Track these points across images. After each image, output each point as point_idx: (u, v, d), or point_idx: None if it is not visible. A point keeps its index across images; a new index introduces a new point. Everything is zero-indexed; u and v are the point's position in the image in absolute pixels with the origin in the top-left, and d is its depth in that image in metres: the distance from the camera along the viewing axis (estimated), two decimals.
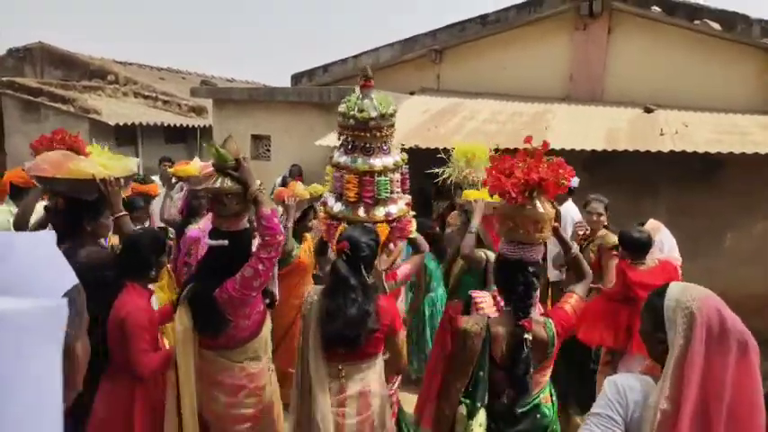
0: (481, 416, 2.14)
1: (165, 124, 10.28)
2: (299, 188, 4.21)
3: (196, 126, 10.99)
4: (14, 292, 0.65)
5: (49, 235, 0.78)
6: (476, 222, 3.48)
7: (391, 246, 2.97)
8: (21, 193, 4.16)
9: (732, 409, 1.40)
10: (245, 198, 2.43)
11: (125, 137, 9.73)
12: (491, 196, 2.78)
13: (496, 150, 3.49)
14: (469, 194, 3.85)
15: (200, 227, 3.72)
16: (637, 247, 3.56)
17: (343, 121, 2.80)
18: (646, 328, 1.62)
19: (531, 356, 2.15)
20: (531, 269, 2.22)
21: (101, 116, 9.26)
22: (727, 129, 5.92)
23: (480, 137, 6.16)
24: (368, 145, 2.77)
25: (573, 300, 2.35)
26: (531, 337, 2.15)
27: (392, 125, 2.83)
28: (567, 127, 6.21)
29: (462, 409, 2.16)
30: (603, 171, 5.45)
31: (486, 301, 2.57)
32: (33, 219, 3.19)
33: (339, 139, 2.89)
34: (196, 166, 3.98)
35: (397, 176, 2.88)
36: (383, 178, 2.79)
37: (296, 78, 9.05)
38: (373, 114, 2.72)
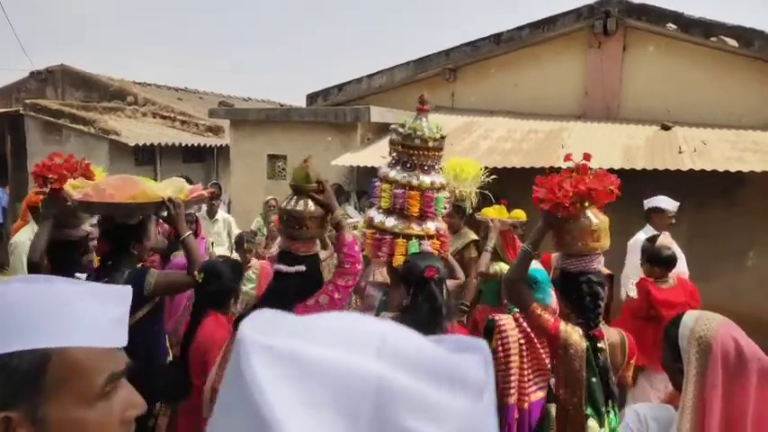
0: (611, 421, 2.22)
1: (183, 144, 10.42)
2: None
3: (213, 146, 11.12)
4: None
5: (121, 291, 0.77)
6: (492, 242, 3.52)
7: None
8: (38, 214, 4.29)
9: None
10: (324, 222, 2.35)
11: (144, 157, 9.88)
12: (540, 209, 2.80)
13: (487, 168, 3.58)
14: (488, 212, 3.90)
15: None
16: (667, 264, 3.67)
17: (403, 141, 2.91)
18: (666, 358, 1.61)
19: (609, 366, 2.25)
20: (595, 279, 2.29)
21: (120, 137, 9.42)
22: (747, 146, 5.85)
23: (496, 156, 6.16)
24: (426, 164, 2.89)
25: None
26: (605, 346, 2.25)
27: (443, 147, 2.97)
28: (583, 145, 6.17)
29: (592, 422, 2.19)
30: (621, 189, 5.38)
31: (507, 323, 2.58)
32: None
33: (392, 156, 2.99)
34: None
35: (448, 194, 3.02)
36: (441, 195, 2.89)
37: (311, 98, 9.14)
38: (435, 135, 2.85)
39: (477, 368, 0.48)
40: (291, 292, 2.27)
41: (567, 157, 2.43)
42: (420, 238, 2.89)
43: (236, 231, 6.00)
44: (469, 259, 4.08)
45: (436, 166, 2.95)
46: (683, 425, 1.43)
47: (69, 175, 2.83)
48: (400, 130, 2.93)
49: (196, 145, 10.77)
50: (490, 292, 3.86)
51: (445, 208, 3.01)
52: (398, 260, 2.72)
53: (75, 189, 2.58)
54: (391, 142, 2.99)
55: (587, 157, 2.42)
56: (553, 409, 2.35)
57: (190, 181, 6.28)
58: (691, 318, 1.55)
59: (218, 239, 6.16)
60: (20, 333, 0.66)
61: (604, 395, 2.27)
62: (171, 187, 2.71)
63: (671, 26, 6.97)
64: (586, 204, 2.28)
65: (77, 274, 2.92)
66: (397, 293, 2.41)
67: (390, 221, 2.94)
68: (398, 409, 0.43)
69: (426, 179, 2.88)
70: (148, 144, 9.67)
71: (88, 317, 0.71)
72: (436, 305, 2.22)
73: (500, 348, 2.75)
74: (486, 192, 3.92)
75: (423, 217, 2.90)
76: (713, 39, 6.79)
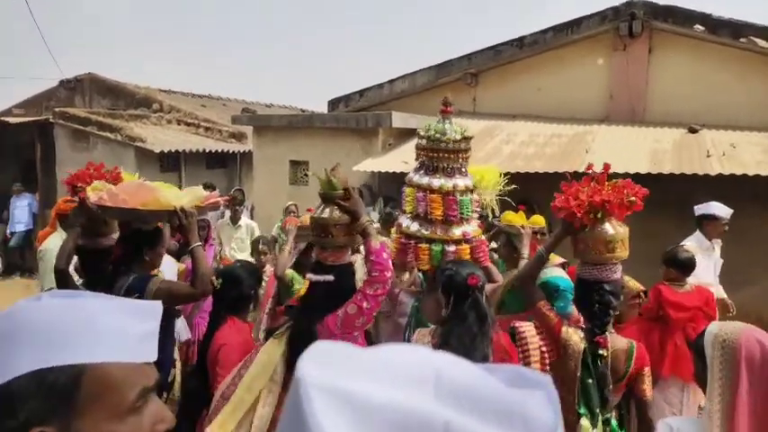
0: (600, 424, 2.25)
1: (207, 150, 10.56)
2: (307, 217, 4.10)
3: (236, 152, 11.25)
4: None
5: (101, 305, 0.74)
6: (527, 249, 3.48)
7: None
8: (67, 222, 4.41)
9: None
10: (351, 230, 2.32)
11: (169, 163, 10.03)
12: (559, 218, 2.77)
13: (506, 175, 3.55)
14: (509, 217, 3.84)
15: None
16: (684, 268, 3.63)
17: (426, 144, 2.90)
18: (697, 370, 1.63)
19: (607, 372, 2.29)
20: (607, 288, 2.32)
21: (146, 144, 9.59)
22: None
23: (518, 161, 6.10)
24: (449, 166, 2.86)
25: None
26: (606, 354, 2.29)
27: (469, 149, 2.94)
28: (609, 149, 6.08)
29: (584, 422, 2.24)
30: (648, 194, 5.29)
31: (528, 330, 2.55)
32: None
33: (417, 160, 2.98)
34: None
35: (475, 197, 2.97)
36: (467, 198, 2.85)
37: (333, 104, 9.19)
38: (457, 137, 2.83)
39: (543, 408, 0.44)
40: (321, 301, 2.25)
41: (590, 167, 2.46)
42: (444, 242, 2.86)
43: (266, 238, 6.05)
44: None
45: (462, 169, 2.91)
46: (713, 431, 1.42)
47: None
48: (422, 133, 2.93)
49: (219, 151, 10.90)
50: (514, 300, 3.79)
51: (474, 211, 2.96)
52: (423, 265, 2.69)
53: (93, 191, 2.60)
54: (417, 147, 2.99)
55: (607, 167, 2.44)
56: None
57: (213, 187, 6.36)
58: (715, 325, 1.59)
59: (240, 245, 6.20)
60: (56, 349, 0.67)
61: (600, 400, 2.32)
62: (189, 196, 2.70)
63: (698, 27, 6.84)
64: (599, 216, 2.30)
65: None
66: (430, 301, 2.39)
67: (414, 226, 2.93)
68: None
69: (448, 182, 2.85)
70: (173, 151, 9.82)
71: (119, 332, 0.71)
72: (482, 314, 2.18)
73: (521, 357, 2.72)
74: (507, 198, 3.86)
75: (448, 221, 2.88)
76: (742, 40, 6.64)
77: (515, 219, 3.92)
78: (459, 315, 2.23)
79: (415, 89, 8.53)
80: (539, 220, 4.17)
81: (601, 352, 2.29)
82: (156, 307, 0.77)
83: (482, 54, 8.20)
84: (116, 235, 2.95)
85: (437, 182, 2.84)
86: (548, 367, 2.78)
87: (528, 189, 5.51)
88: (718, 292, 4.31)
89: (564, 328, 2.31)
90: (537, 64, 7.90)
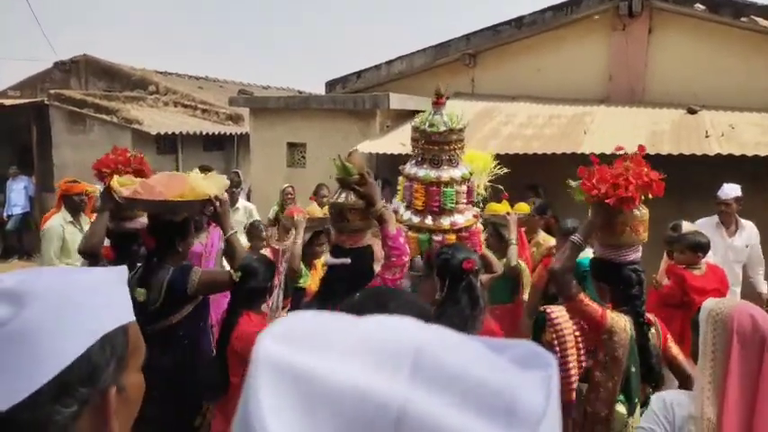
0: (638, 412, 2.23)
1: (204, 133, 10.50)
2: (312, 208, 4.08)
3: (233, 134, 11.18)
4: (29, 341, 0.65)
5: (110, 273, 0.78)
6: (514, 235, 3.51)
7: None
8: (70, 203, 4.47)
9: None
10: (367, 214, 2.34)
11: (166, 146, 9.97)
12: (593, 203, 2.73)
13: (504, 156, 3.55)
14: (493, 207, 3.89)
15: (202, 242, 3.63)
16: (703, 250, 3.67)
17: (414, 135, 2.95)
18: (693, 345, 1.66)
19: (658, 350, 2.34)
20: (640, 268, 2.39)
21: (142, 126, 9.52)
22: None
23: (517, 142, 6.07)
24: (436, 157, 2.88)
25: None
26: (654, 331, 2.34)
27: (461, 140, 2.93)
28: (608, 130, 6.06)
29: (621, 408, 2.24)
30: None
31: (560, 314, 2.58)
32: None
33: (413, 152, 3.02)
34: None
35: (464, 188, 2.96)
36: (449, 189, 2.87)
37: (330, 85, 9.11)
38: (441, 129, 2.84)
39: (533, 394, 0.39)
40: (340, 284, 2.26)
41: (619, 148, 2.51)
42: (431, 232, 2.87)
43: (261, 221, 6.03)
44: None
45: (452, 160, 2.92)
46: (703, 404, 1.45)
47: (123, 169, 2.90)
48: (414, 124, 2.96)
49: (217, 133, 10.84)
50: (500, 289, 3.79)
51: (467, 202, 2.98)
52: (411, 253, 2.71)
53: (123, 186, 2.62)
54: (411, 138, 3.02)
55: (642, 149, 2.48)
56: (584, 388, 2.36)
57: (210, 170, 6.34)
58: (710, 302, 1.62)
59: (239, 228, 6.20)
60: (110, 311, 0.75)
61: (649, 380, 2.35)
62: (218, 184, 2.71)
63: (699, 7, 6.76)
64: (646, 196, 2.36)
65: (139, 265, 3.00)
66: (426, 284, 2.40)
67: (407, 215, 2.97)
68: None
69: (433, 173, 2.86)
70: (170, 133, 9.76)
71: (126, 296, 0.81)
72: (475, 297, 2.22)
73: (555, 342, 2.71)
74: (498, 186, 3.85)
75: (436, 211, 2.88)
76: (744, 19, 6.57)
77: (499, 208, 3.97)
78: (452, 298, 2.25)
79: (413, 70, 8.45)
80: (524, 208, 4.23)
81: (652, 330, 2.36)
82: (123, 271, 0.82)
83: (481, 34, 8.11)
84: (143, 219, 2.97)
85: (422, 172, 2.87)
86: (583, 354, 2.77)
87: (527, 170, 5.50)
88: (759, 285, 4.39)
89: (609, 315, 2.28)
90: (536, 44, 7.83)
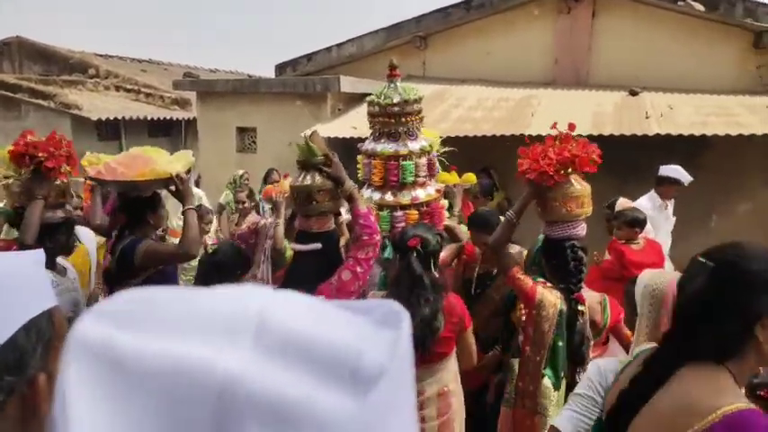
0: (563, 386, 2.27)
1: (149, 118, 10.15)
2: (287, 185, 4.05)
3: (180, 119, 10.86)
4: None
5: (27, 257, 0.75)
6: (458, 207, 3.56)
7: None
8: None
9: None
10: (335, 195, 2.31)
11: (108, 132, 9.59)
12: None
13: (448, 139, 3.58)
14: (443, 177, 3.92)
15: None
16: (640, 226, 3.79)
17: (371, 110, 2.90)
18: (627, 314, 1.72)
19: (586, 329, 2.31)
20: (578, 245, 2.38)
21: (82, 111, 9.12)
22: (712, 110, 5.95)
23: (467, 124, 6.15)
24: (393, 131, 2.85)
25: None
26: (585, 310, 2.32)
27: (418, 111, 2.91)
28: (553, 112, 6.21)
29: (547, 382, 2.27)
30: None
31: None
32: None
33: (370, 128, 2.98)
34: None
35: (424, 161, 2.93)
36: (408, 162, 2.84)
37: (280, 68, 8.94)
38: (396, 100, 2.81)
39: (378, 353, 0.37)
40: (311, 271, 2.22)
41: (554, 126, 2.51)
42: (392, 208, 2.87)
43: (206, 206, 5.90)
44: None
45: (411, 133, 2.89)
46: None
47: (57, 152, 2.75)
48: (368, 98, 2.93)
49: (162, 118, 10.50)
50: None
51: (421, 176, 2.95)
52: None
53: (89, 165, 2.71)
54: (368, 113, 2.99)
55: (572, 126, 2.49)
56: (516, 363, 2.42)
57: None
58: (646, 275, 1.67)
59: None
60: (31, 296, 0.72)
61: (574, 360, 2.35)
62: (182, 161, 2.75)
63: None
64: (569, 171, 2.35)
65: (59, 258, 2.86)
66: (393, 267, 2.40)
67: (367, 192, 2.95)
68: (243, 420, 0.33)
69: (390, 147, 2.84)
70: (112, 118, 9.39)
71: (46, 280, 0.78)
72: (414, 276, 2.18)
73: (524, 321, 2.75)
74: (443, 159, 3.91)
75: (396, 186, 2.87)
76: (680, 3, 6.83)
77: (448, 178, 4.01)
78: (397, 277, 2.27)
79: (364, 53, 8.40)
80: (470, 178, 4.31)
81: (581, 308, 2.34)
82: (40, 254, 0.80)
83: (431, 16, 8.12)
84: (69, 207, 2.95)
85: (379, 147, 2.85)
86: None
87: (478, 153, 5.59)
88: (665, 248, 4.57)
89: (539, 290, 2.33)
90: (485, 27, 7.90)
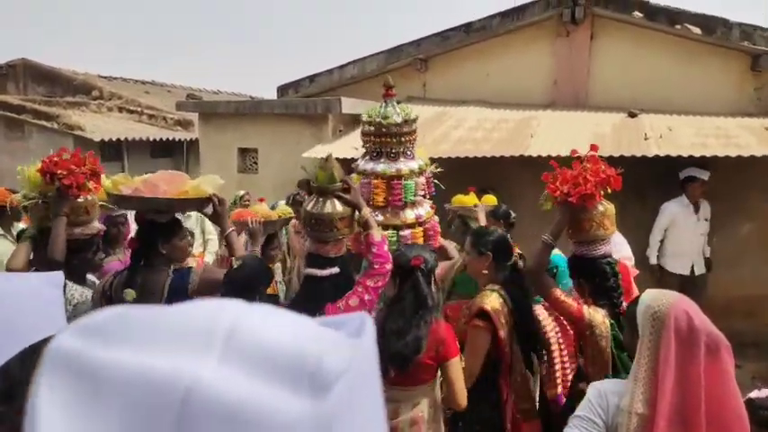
0: None
1: (151, 139, 10.22)
2: (262, 208, 3.86)
3: (182, 140, 10.93)
4: None
5: (45, 279, 0.75)
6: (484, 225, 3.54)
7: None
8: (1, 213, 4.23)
9: (712, 413, 1.41)
10: (352, 221, 2.30)
11: (110, 153, 9.65)
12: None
13: (432, 160, 3.57)
14: (461, 200, 3.90)
15: (120, 258, 3.41)
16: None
17: (368, 129, 2.89)
18: (626, 336, 1.73)
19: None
20: (612, 260, 2.47)
21: (85, 132, 9.20)
22: (710, 132, 5.98)
23: (467, 145, 6.18)
24: (393, 150, 2.85)
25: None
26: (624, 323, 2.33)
27: (414, 131, 2.92)
28: (553, 133, 6.24)
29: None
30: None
31: (540, 312, 2.65)
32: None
33: (364, 147, 2.97)
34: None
35: (422, 180, 2.96)
36: (410, 182, 2.85)
37: (282, 90, 9.03)
38: (398, 120, 2.81)
39: (337, 358, 0.39)
40: (327, 294, 2.21)
41: (574, 152, 2.63)
42: (397, 228, 2.86)
43: (209, 227, 5.87)
44: None
45: (408, 152, 2.91)
46: (635, 396, 1.49)
47: (78, 170, 2.76)
48: (365, 118, 2.93)
49: (165, 139, 10.57)
50: (466, 283, 3.80)
51: (424, 194, 2.98)
52: None
53: (120, 185, 2.56)
54: (362, 133, 2.99)
55: (595, 147, 2.59)
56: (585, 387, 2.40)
57: None
58: (648, 295, 1.64)
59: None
60: (42, 318, 0.71)
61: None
62: (212, 184, 2.69)
63: (637, 14, 7.07)
64: (606, 191, 2.47)
65: (89, 275, 2.88)
66: (389, 286, 2.41)
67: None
68: (201, 425, 0.35)
69: (392, 167, 2.85)
70: (114, 139, 9.46)
71: (60, 303, 0.76)
72: (420, 295, 2.20)
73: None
74: (436, 181, 3.90)
75: (399, 206, 2.87)
76: (678, 27, 6.91)
77: (467, 200, 3.97)
78: (399, 296, 2.26)
79: (366, 75, 8.48)
80: (491, 200, 4.24)
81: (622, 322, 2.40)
82: (59, 277, 0.78)
83: (431, 39, 8.21)
84: (96, 224, 2.91)
85: (381, 167, 2.85)
86: (564, 350, 2.77)
87: (478, 174, 5.60)
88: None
89: (585, 310, 2.34)
90: (485, 50, 7.99)
